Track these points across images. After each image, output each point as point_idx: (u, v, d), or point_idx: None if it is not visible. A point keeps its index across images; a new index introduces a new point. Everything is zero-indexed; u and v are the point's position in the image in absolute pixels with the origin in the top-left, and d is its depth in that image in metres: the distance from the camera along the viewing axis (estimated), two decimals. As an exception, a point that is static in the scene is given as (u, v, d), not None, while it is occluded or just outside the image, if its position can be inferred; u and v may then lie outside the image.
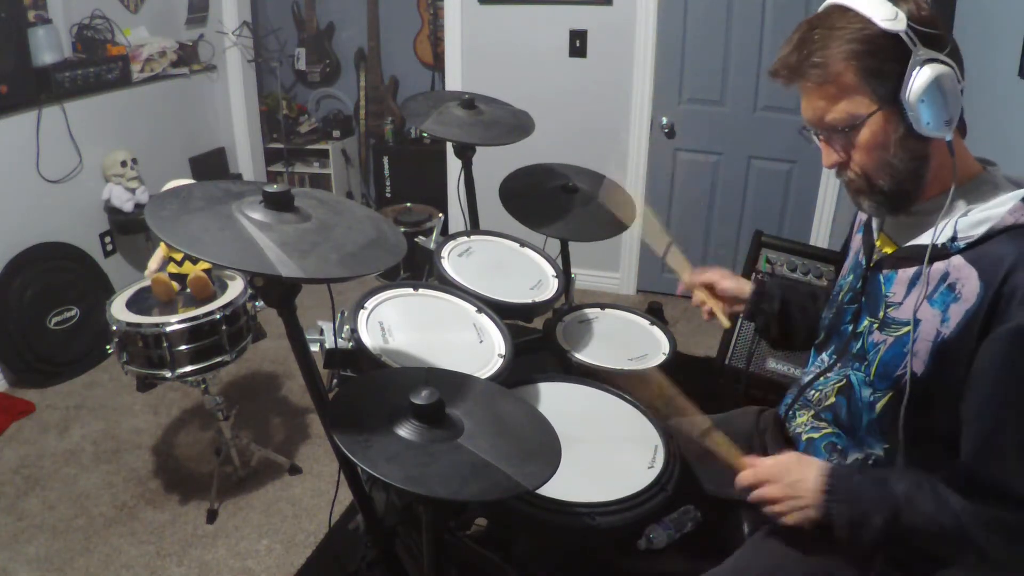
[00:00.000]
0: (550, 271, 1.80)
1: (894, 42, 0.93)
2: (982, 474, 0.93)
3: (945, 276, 0.99)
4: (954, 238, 0.98)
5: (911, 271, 1.05)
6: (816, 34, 0.98)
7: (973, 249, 0.97)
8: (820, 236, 3.52)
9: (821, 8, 1.01)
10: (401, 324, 1.42)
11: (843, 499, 1.02)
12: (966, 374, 0.95)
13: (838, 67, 0.96)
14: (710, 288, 1.46)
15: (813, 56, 0.97)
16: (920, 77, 0.92)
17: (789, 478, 1.08)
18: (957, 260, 0.98)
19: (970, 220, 0.98)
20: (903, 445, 1.04)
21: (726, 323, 1.45)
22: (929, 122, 0.94)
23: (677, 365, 1.69)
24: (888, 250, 1.12)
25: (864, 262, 1.17)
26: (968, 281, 0.95)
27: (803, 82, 1.01)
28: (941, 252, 1.00)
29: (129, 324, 1.96)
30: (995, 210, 0.96)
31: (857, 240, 1.24)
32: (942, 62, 0.93)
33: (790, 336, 1.42)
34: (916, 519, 0.97)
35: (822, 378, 1.22)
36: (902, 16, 0.93)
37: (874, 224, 1.17)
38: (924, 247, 1.01)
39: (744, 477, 1.14)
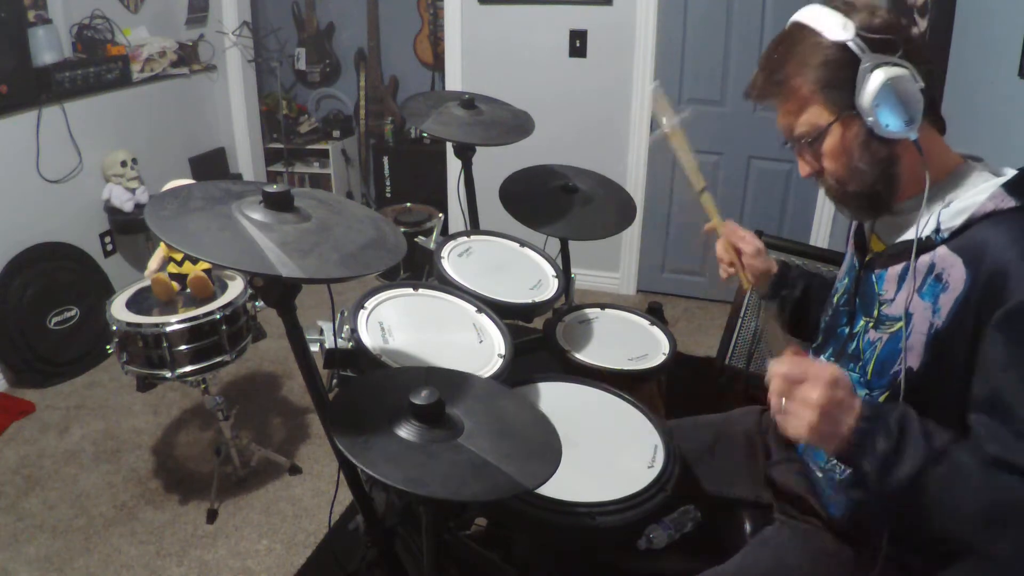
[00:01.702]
0: (550, 271, 1.79)
1: (845, 52, 0.97)
2: (1001, 458, 0.88)
3: (932, 267, 0.99)
4: (938, 229, 0.99)
5: (899, 267, 1.05)
6: (776, 53, 1.04)
7: (956, 238, 0.97)
8: (820, 236, 3.52)
9: (786, 26, 1.05)
10: (401, 324, 1.42)
11: (873, 445, 0.89)
12: (963, 363, 0.95)
13: (795, 83, 1.02)
14: (737, 252, 1.39)
15: (775, 75, 1.04)
16: (871, 82, 0.95)
17: (830, 396, 0.88)
18: (942, 251, 0.98)
19: (951, 210, 0.98)
20: None
21: (747, 285, 1.39)
22: (888, 124, 0.96)
23: (677, 365, 1.69)
24: (878, 249, 1.13)
25: (857, 263, 1.17)
26: (954, 269, 0.96)
27: (770, 100, 1.07)
28: (927, 244, 1.00)
29: (129, 324, 1.96)
30: (975, 198, 0.97)
31: (851, 243, 1.24)
32: (896, 64, 0.95)
33: (803, 326, 1.41)
34: (949, 477, 0.88)
35: None
36: (851, 26, 0.97)
37: (865, 226, 1.18)
38: (910, 242, 1.02)
39: (779, 373, 0.92)
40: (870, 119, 0.97)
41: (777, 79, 1.03)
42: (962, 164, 1.04)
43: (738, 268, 1.38)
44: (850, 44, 0.96)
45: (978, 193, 0.97)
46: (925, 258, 1.00)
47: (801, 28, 1.01)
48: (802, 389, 0.89)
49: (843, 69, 0.97)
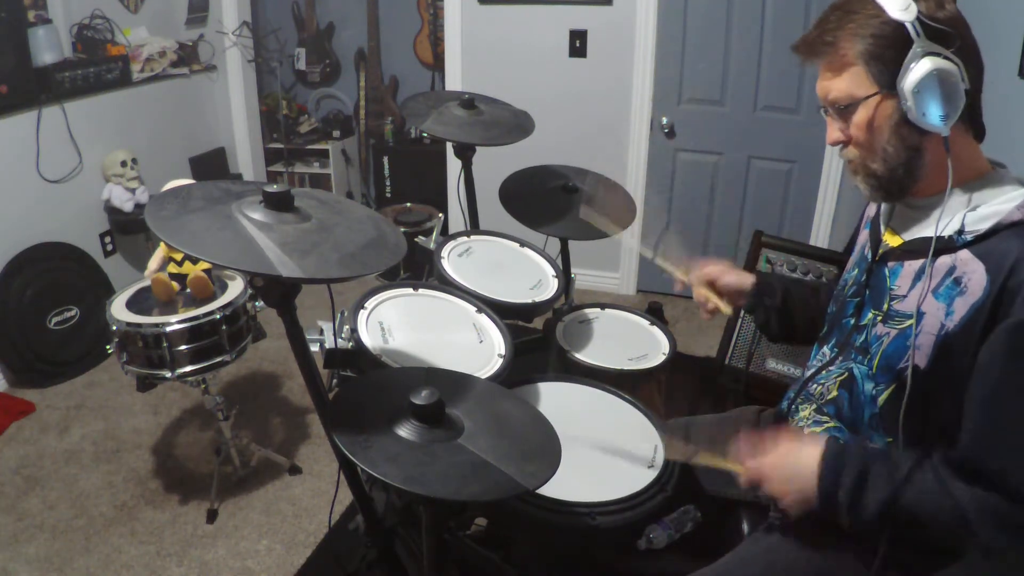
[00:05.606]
0: (550, 271, 1.79)
1: (900, 31, 0.97)
2: (981, 464, 0.93)
3: (952, 270, 0.99)
4: (961, 231, 0.99)
5: (917, 264, 1.05)
6: (834, 16, 1.03)
7: (980, 244, 0.97)
8: (820, 236, 3.52)
9: None
10: (401, 324, 1.42)
11: (839, 479, 1.01)
12: (969, 368, 0.95)
13: (844, 48, 1.01)
14: (711, 283, 1.42)
15: (826, 36, 1.03)
16: (917, 68, 0.95)
17: (786, 471, 1.07)
18: (964, 254, 0.98)
19: (978, 215, 0.98)
20: (904, 439, 1.04)
21: (728, 311, 1.41)
22: (924, 113, 0.96)
23: (677, 365, 1.69)
24: (894, 243, 1.12)
25: (869, 256, 1.17)
26: (974, 275, 0.96)
27: (815, 59, 1.07)
28: (948, 246, 1.00)
29: (129, 324, 1.96)
30: (1003, 205, 0.97)
31: (864, 235, 1.25)
32: (946, 58, 0.95)
33: (790, 330, 1.41)
34: (917, 496, 0.96)
35: (824, 372, 1.22)
36: (914, 8, 0.96)
37: (881, 218, 1.18)
38: (930, 240, 1.02)
39: (746, 481, 1.13)
40: (907, 103, 0.97)
41: (827, 40, 1.03)
42: (991, 171, 1.04)
43: (715, 300, 1.40)
44: (908, 25, 0.96)
45: (1007, 201, 0.97)
46: (945, 259, 1.00)
47: None
48: (765, 485, 1.08)
49: (893, 48, 0.97)
